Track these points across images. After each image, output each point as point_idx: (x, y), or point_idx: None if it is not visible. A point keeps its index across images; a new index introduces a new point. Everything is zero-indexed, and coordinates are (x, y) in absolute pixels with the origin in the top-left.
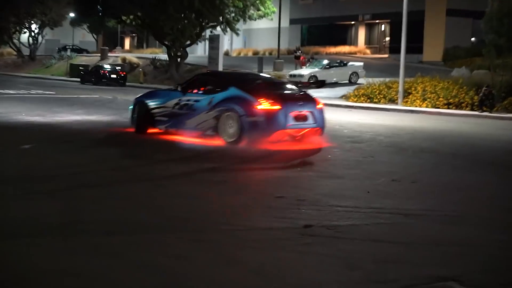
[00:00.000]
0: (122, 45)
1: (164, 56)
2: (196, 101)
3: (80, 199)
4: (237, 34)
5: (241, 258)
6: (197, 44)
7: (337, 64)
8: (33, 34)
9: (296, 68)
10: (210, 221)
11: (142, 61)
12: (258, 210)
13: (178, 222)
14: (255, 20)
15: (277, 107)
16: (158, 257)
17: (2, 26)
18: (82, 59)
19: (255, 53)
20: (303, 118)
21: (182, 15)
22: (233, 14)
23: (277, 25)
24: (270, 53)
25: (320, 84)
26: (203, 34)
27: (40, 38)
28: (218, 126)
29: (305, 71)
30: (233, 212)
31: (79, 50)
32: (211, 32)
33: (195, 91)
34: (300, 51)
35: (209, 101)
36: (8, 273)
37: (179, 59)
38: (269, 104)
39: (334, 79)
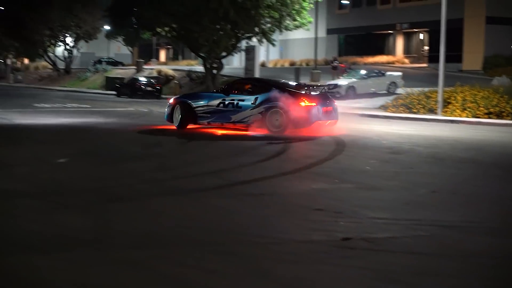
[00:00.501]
0: (158, 57)
1: (200, 68)
2: (241, 100)
3: (111, 213)
4: (273, 45)
5: (276, 271)
6: (233, 55)
7: (375, 74)
8: (68, 47)
9: (333, 79)
10: (245, 234)
11: (177, 73)
12: (295, 223)
13: (212, 235)
14: (292, 30)
15: (314, 104)
16: (189, 271)
17: (37, 40)
18: (117, 72)
19: (292, 63)
20: (329, 112)
21: (217, 26)
22: (269, 25)
23: (314, 36)
24: (307, 64)
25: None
26: (238, 45)
27: (75, 51)
28: (265, 120)
29: (343, 81)
30: (268, 225)
31: (114, 63)
32: (247, 43)
33: (237, 92)
34: (337, 61)
35: (254, 100)
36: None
37: (215, 71)
38: (308, 102)
39: (372, 89)
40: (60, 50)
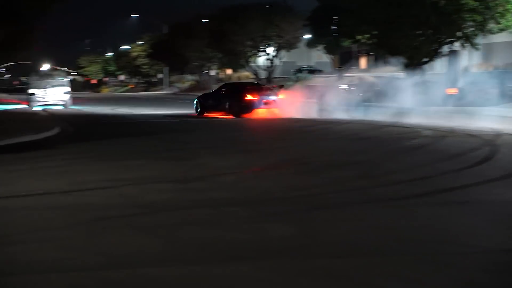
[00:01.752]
0: (358, 65)
1: (402, 75)
2: (224, 97)
3: (315, 221)
4: (477, 49)
5: (481, 281)
6: (434, 61)
7: None
8: (269, 57)
9: None
10: (448, 243)
11: (378, 80)
12: (502, 232)
13: (416, 244)
14: (496, 34)
15: (255, 98)
16: (390, 280)
17: (239, 51)
18: (318, 80)
19: (496, 67)
20: (269, 103)
21: (419, 32)
22: (471, 29)
23: None
24: None
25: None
26: (440, 50)
27: (276, 60)
28: (229, 109)
29: None
30: (473, 233)
31: (315, 71)
32: (449, 48)
33: (223, 93)
34: None
35: (226, 98)
36: None
37: (417, 77)
38: (251, 96)
39: None
40: (261, 60)
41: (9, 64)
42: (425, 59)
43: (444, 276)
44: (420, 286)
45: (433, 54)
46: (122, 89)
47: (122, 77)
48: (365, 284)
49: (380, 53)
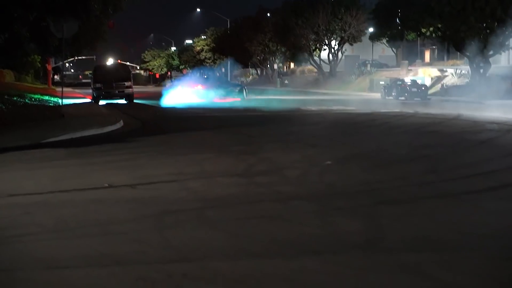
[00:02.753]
0: (422, 58)
1: (466, 68)
2: None
3: (381, 216)
4: None
5: None
6: (500, 54)
7: None
8: (332, 50)
9: None
10: None
11: (443, 73)
12: None
13: (485, 240)
14: None
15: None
16: (462, 276)
17: (303, 44)
18: (382, 74)
19: None
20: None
21: (484, 25)
22: None
23: None
24: None
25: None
26: (506, 43)
27: (339, 54)
28: None
29: None
30: None
31: (378, 65)
32: None
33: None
34: None
35: None
36: None
37: (481, 70)
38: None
39: None
40: (324, 53)
41: (74, 58)
42: (490, 52)
43: None
44: (491, 281)
45: (499, 47)
46: None
47: (185, 71)
48: (435, 278)
49: (445, 46)
